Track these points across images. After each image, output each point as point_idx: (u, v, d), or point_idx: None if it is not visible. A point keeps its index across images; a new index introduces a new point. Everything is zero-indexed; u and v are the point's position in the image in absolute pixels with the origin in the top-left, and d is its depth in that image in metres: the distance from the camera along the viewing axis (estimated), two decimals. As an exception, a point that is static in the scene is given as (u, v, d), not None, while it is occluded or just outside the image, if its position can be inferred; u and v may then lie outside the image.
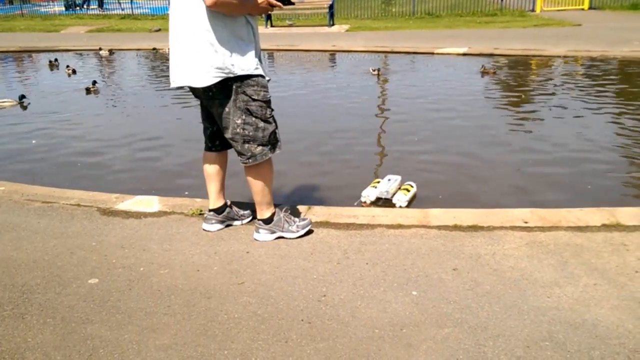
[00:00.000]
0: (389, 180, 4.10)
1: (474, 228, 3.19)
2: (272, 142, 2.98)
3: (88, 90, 8.86)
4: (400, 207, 3.82)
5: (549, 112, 6.51)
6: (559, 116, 6.32)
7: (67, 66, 11.20)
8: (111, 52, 13.59)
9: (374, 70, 9.39)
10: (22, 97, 8.06)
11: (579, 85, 8.03)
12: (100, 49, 13.68)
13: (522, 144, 5.37)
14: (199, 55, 2.77)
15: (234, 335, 2.28)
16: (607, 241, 2.97)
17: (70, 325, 2.38)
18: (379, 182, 4.10)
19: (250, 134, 2.92)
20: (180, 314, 2.44)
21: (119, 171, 4.99)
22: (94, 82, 9.10)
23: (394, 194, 3.95)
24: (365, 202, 3.94)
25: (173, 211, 3.60)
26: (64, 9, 25.83)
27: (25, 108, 7.87)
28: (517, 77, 9.08)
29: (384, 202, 3.93)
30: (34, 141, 6.04)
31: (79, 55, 13.54)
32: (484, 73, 9.29)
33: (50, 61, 11.75)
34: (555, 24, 15.47)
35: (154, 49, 13.77)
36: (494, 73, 9.23)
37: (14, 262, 2.96)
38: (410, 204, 3.91)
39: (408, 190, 3.96)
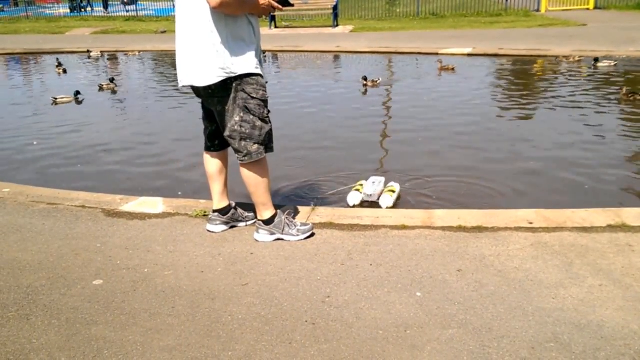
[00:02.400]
0: (373, 182, 4.04)
1: (479, 229, 3.18)
2: (266, 142, 3.02)
3: (101, 88, 8.90)
4: (387, 207, 3.83)
5: (552, 113, 6.49)
6: (562, 116, 6.31)
7: (57, 66, 11.32)
8: (102, 54, 13.66)
9: (373, 82, 8.56)
10: (77, 93, 8.39)
11: (583, 84, 8.00)
12: (88, 51, 13.73)
13: (524, 143, 5.35)
14: (202, 56, 2.81)
15: (238, 336, 2.28)
16: (612, 242, 2.96)
17: (75, 327, 2.38)
18: (362, 184, 4.06)
19: (247, 131, 2.94)
20: (184, 315, 2.44)
21: (122, 172, 5.00)
22: (112, 80, 9.13)
23: (379, 196, 3.93)
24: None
25: (177, 212, 3.60)
26: (69, 10, 25.97)
27: (80, 103, 8.16)
28: (519, 77, 9.07)
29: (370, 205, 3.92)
30: (35, 142, 6.07)
31: (85, 56, 13.60)
32: (442, 69, 9.50)
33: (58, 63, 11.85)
34: (560, 24, 15.44)
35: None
36: (453, 69, 9.46)
37: (19, 264, 2.97)
38: (395, 205, 3.90)
39: (393, 192, 3.95)
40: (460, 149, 5.27)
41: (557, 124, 6.01)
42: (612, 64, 9.21)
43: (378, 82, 8.59)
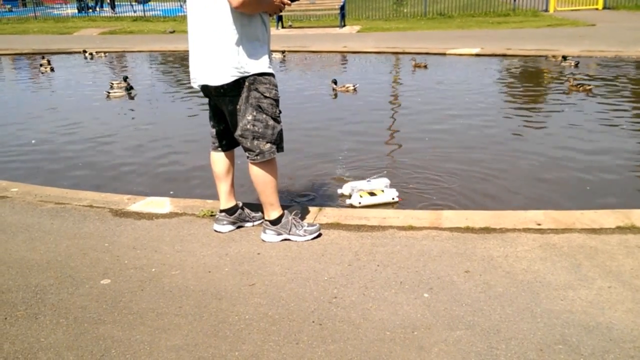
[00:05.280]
0: (368, 181, 4.06)
1: (486, 230, 3.16)
2: (278, 141, 3.02)
3: (111, 87, 8.91)
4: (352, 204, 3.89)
5: (556, 113, 6.46)
6: (565, 116, 6.27)
7: (41, 64, 11.33)
8: (98, 53, 13.70)
9: (346, 88, 8.05)
10: (130, 88, 8.70)
11: (592, 85, 7.95)
12: (84, 51, 13.75)
13: (529, 145, 5.33)
14: (216, 56, 2.82)
15: (245, 336, 2.29)
16: (621, 243, 2.94)
17: (83, 326, 2.39)
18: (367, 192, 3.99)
19: (260, 130, 2.94)
20: (191, 315, 2.45)
21: (130, 172, 5.02)
22: (125, 78, 9.15)
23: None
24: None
25: (184, 212, 3.61)
26: (76, 11, 26.09)
27: (132, 98, 8.42)
28: (524, 78, 9.02)
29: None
30: (33, 141, 6.09)
31: (86, 56, 13.64)
32: (415, 67, 9.86)
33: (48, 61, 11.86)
34: (568, 24, 15.36)
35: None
36: (425, 67, 9.75)
37: (27, 263, 2.99)
38: (366, 206, 3.85)
39: (372, 194, 3.92)
40: (462, 149, 5.25)
41: (553, 122, 5.98)
42: (573, 64, 9.48)
43: (351, 88, 8.02)
